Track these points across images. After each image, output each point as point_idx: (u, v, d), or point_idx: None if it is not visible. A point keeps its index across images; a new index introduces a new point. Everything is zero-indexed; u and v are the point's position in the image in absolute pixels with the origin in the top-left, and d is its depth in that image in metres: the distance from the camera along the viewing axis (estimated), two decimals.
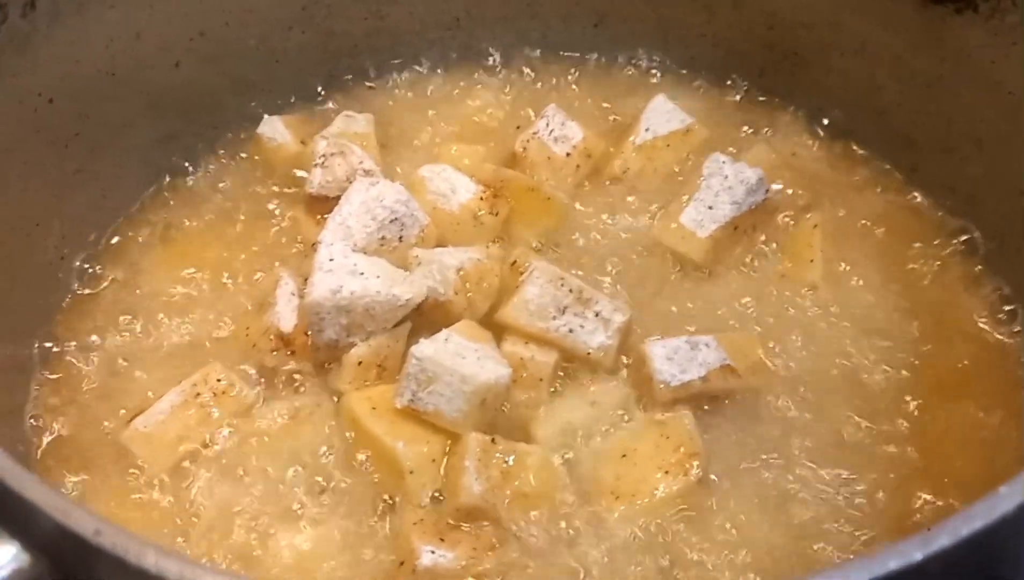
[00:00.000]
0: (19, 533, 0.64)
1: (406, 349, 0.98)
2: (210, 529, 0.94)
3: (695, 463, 0.95)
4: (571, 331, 1.01)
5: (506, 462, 0.94)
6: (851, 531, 0.94)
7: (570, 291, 1.01)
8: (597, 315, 1.01)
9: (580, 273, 1.09)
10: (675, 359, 1.00)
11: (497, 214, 1.10)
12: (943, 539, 0.57)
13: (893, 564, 0.57)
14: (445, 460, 0.95)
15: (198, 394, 1.00)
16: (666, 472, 0.95)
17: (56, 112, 1.06)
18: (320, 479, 0.97)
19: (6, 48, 0.98)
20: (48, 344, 1.07)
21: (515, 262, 1.06)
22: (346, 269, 0.99)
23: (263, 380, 1.02)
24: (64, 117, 1.07)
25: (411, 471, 0.93)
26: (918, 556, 0.56)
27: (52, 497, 0.60)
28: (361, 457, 0.97)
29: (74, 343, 1.08)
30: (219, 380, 1.01)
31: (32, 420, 1.03)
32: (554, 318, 1.01)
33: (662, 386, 0.99)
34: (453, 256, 1.04)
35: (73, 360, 1.07)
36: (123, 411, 1.02)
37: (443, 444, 0.96)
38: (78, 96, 1.08)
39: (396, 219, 1.04)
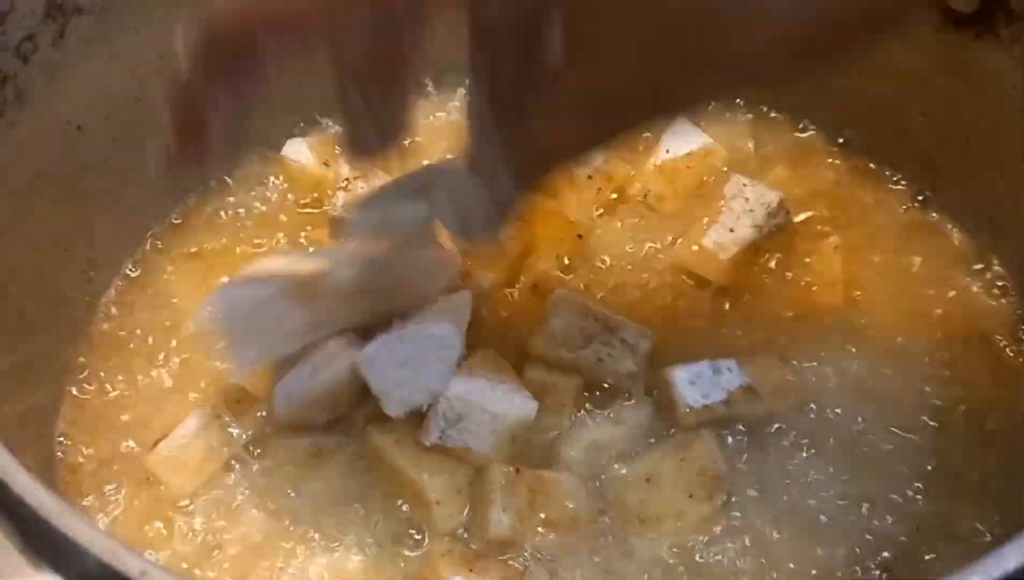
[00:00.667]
0: (62, 568, 0.65)
1: None
2: (234, 557, 0.95)
3: (719, 487, 0.96)
4: (600, 360, 1.01)
5: (531, 491, 0.95)
6: (877, 558, 0.95)
7: (596, 320, 1.02)
8: (623, 342, 1.02)
9: (602, 295, 1.09)
10: (698, 383, 1.01)
11: (517, 238, 1.10)
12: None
13: None
14: (470, 490, 0.96)
15: (219, 415, 1.01)
16: (690, 496, 0.96)
17: (85, 138, 1.07)
18: (345, 511, 0.97)
19: (37, 77, 0.99)
20: (75, 365, 1.09)
21: (537, 285, 1.07)
22: None
23: None
24: (92, 143, 1.08)
25: (437, 502, 0.94)
26: None
27: (98, 537, 0.61)
28: (385, 490, 0.98)
29: (100, 365, 1.09)
30: (238, 401, 1.01)
31: (61, 438, 1.04)
32: (582, 348, 1.01)
33: (686, 410, 0.99)
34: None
35: (99, 382, 1.08)
36: (147, 433, 1.03)
37: (468, 474, 0.97)
38: (106, 122, 1.09)
39: None
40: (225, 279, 1.13)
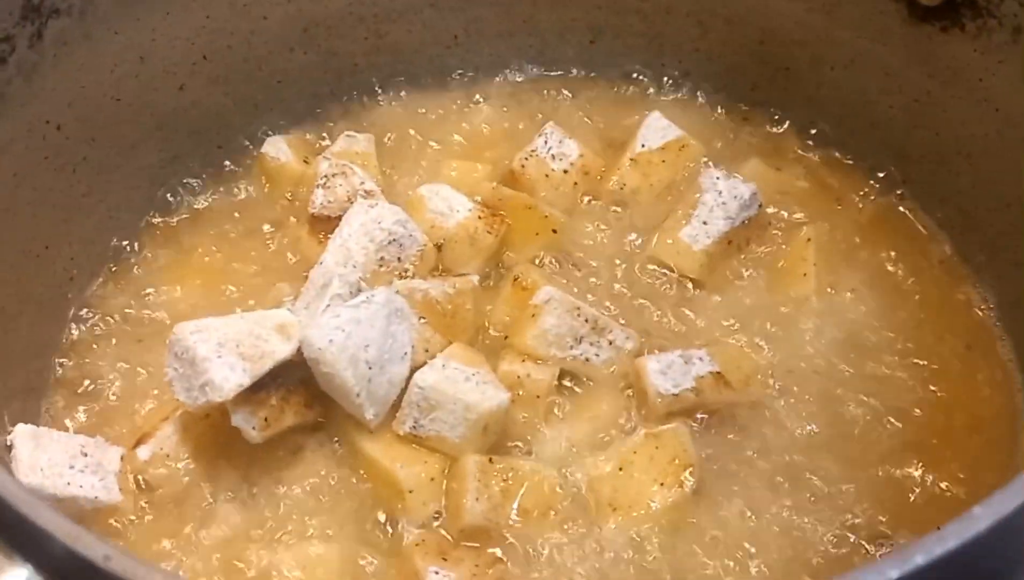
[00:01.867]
0: (31, 557, 0.67)
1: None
2: (211, 548, 0.97)
3: (689, 474, 0.98)
4: (587, 360, 1.04)
5: (505, 480, 0.96)
6: (846, 541, 0.96)
7: (586, 321, 1.04)
8: (611, 343, 1.05)
9: (577, 288, 1.11)
10: (668, 374, 1.02)
11: (493, 233, 1.12)
12: (918, 558, 0.59)
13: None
14: (444, 481, 0.98)
15: (207, 415, 1.02)
16: (661, 484, 0.97)
17: (64, 138, 1.09)
18: (321, 504, 0.99)
19: (14, 79, 1.01)
20: (59, 364, 1.10)
21: (518, 278, 1.09)
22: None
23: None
24: (72, 142, 1.10)
25: (411, 491, 0.96)
26: (894, 574, 0.58)
27: (63, 523, 0.62)
28: (362, 482, 1.00)
29: (85, 362, 1.11)
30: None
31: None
32: (571, 347, 1.04)
33: (657, 399, 1.01)
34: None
35: (83, 380, 1.09)
36: (134, 428, 1.04)
37: (442, 464, 0.98)
38: (85, 121, 1.11)
39: (394, 241, 1.06)
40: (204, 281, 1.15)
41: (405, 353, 0.99)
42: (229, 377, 0.93)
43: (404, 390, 0.99)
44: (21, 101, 1.02)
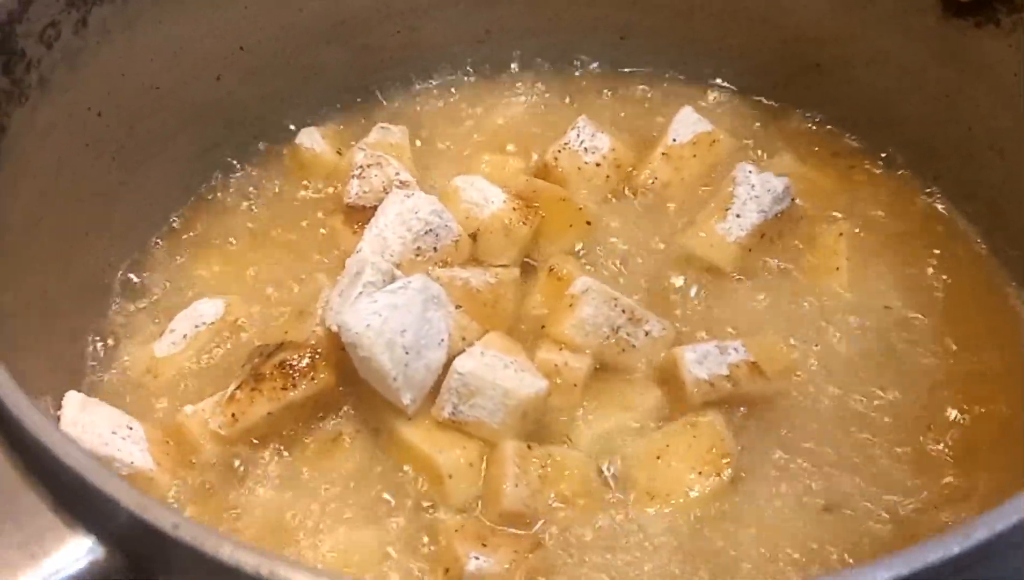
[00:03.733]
0: (94, 526, 0.67)
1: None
2: (249, 533, 0.97)
3: (726, 463, 0.98)
4: (622, 350, 1.04)
5: (543, 467, 0.97)
6: (883, 532, 0.97)
7: (623, 311, 1.04)
8: (647, 334, 1.05)
9: (611, 280, 1.11)
10: (705, 363, 1.03)
11: (527, 224, 1.12)
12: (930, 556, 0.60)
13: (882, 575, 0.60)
14: (483, 467, 0.98)
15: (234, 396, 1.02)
16: (699, 472, 0.98)
17: (104, 125, 1.09)
18: (361, 490, 0.99)
19: (59, 65, 1.01)
20: (98, 349, 1.11)
21: (553, 268, 1.09)
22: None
23: None
24: (111, 130, 1.11)
25: (450, 475, 0.96)
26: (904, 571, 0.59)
27: (129, 491, 0.63)
28: (401, 469, 1.00)
29: (120, 346, 1.11)
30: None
31: None
32: (608, 337, 1.04)
33: (694, 389, 1.01)
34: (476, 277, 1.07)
35: (118, 364, 1.10)
36: (172, 411, 1.05)
37: (480, 450, 0.99)
38: (124, 109, 1.11)
39: (430, 230, 1.07)
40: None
41: (442, 339, 1.00)
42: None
43: (441, 377, 0.99)
44: (64, 87, 1.03)
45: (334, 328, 0.98)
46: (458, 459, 0.97)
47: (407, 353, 0.97)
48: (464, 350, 1.01)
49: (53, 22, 1.00)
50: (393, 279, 1.02)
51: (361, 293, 0.99)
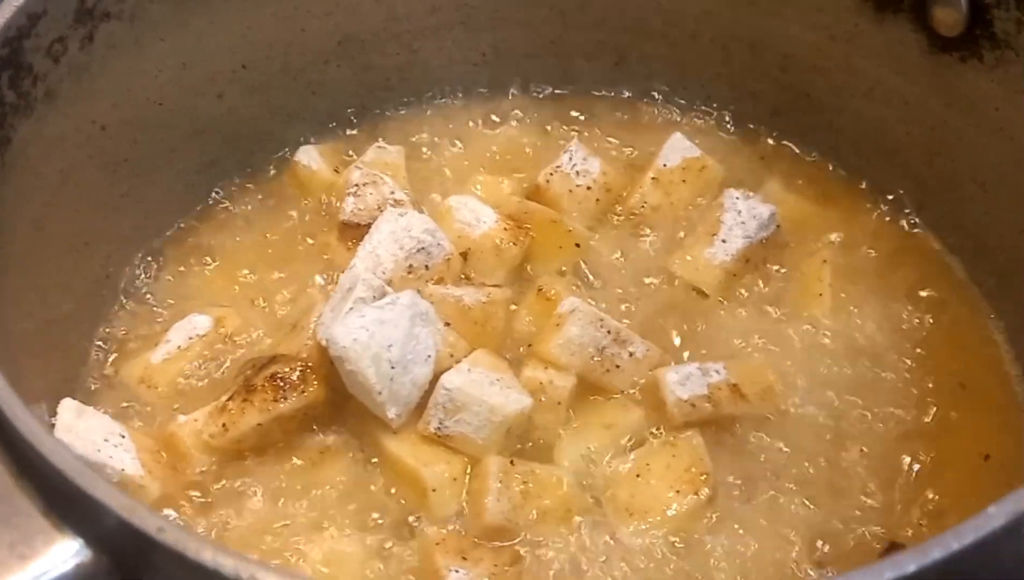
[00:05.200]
0: (82, 529, 0.69)
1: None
2: (237, 542, 0.99)
3: (705, 482, 1.00)
4: (607, 371, 1.06)
5: (525, 482, 0.99)
6: (859, 550, 0.99)
7: (608, 332, 1.07)
8: (631, 355, 1.07)
9: (598, 302, 1.13)
10: (687, 384, 1.05)
11: (517, 244, 1.15)
12: (935, 552, 0.61)
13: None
14: (467, 481, 1.00)
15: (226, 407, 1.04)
16: (677, 491, 1.00)
17: (108, 138, 1.12)
18: (346, 503, 1.01)
19: (65, 78, 1.04)
20: (96, 358, 1.13)
21: (542, 289, 1.12)
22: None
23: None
24: (115, 143, 1.13)
25: (433, 489, 0.98)
26: (912, 568, 0.61)
27: (117, 495, 0.65)
28: (386, 482, 1.02)
29: (116, 357, 1.14)
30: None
31: None
32: (593, 358, 1.06)
33: (675, 409, 1.04)
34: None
35: (114, 374, 1.12)
36: (165, 422, 1.06)
37: (463, 465, 1.01)
38: (129, 124, 1.14)
39: (423, 248, 1.09)
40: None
41: (429, 355, 1.02)
42: None
43: (428, 393, 1.01)
44: (70, 100, 1.05)
45: (323, 342, 1.01)
46: (442, 473, 0.99)
47: (393, 368, 0.99)
48: (452, 367, 1.03)
49: (60, 37, 1.03)
50: (384, 295, 1.04)
51: (351, 308, 1.01)
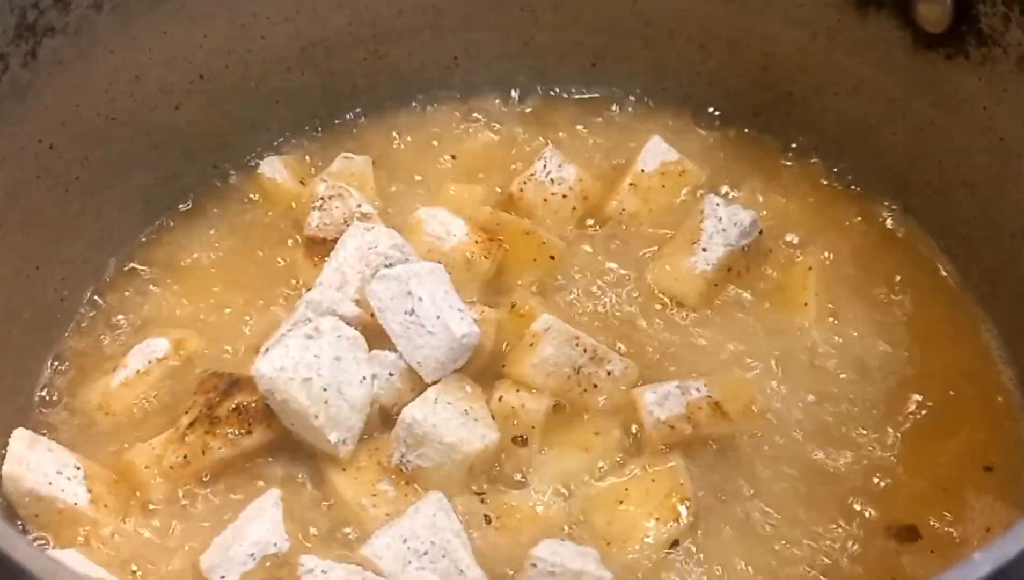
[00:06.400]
0: None
1: None
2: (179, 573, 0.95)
3: (685, 508, 0.96)
4: (584, 391, 1.03)
5: (498, 516, 0.96)
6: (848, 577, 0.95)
7: (584, 351, 1.02)
8: (609, 374, 1.03)
9: (575, 315, 1.10)
10: (665, 405, 1.01)
11: (489, 257, 1.10)
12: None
13: None
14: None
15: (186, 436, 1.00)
16: (656, 518, 0.96)
17: (57, 157, 1.08)
18: (308, 530, 0.98)
19: (7, 97, 1.00)
20: (49, 385, 1.09)
21: (515, 304, 1.08)
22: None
23: None
24: (65, 161, 1.09)
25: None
26: None
27: (41, 559, 0.61)
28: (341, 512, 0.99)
29: (73, 382, 1.10)
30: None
31: None
32: (568, 377, 1.02)
33: (653, 432, 1.00)
34: None
35: (71, 400, 1.08)
36: (119, 451, 1.03)
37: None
38: (79, 140, 1.10)
39: (390, 265, 1.05)
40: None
41: (363, 378, 0.98)
42: None
43: (369, 417, 0.99)
44: (14, 120, 1.01)
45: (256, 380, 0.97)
46: (383, 513, 0.95)
47: (326, 390, 0.96)
48: (408, 393, 1.00)
49: (0, 55, 0.98)
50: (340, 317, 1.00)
51: (284, 335, 0.98)
